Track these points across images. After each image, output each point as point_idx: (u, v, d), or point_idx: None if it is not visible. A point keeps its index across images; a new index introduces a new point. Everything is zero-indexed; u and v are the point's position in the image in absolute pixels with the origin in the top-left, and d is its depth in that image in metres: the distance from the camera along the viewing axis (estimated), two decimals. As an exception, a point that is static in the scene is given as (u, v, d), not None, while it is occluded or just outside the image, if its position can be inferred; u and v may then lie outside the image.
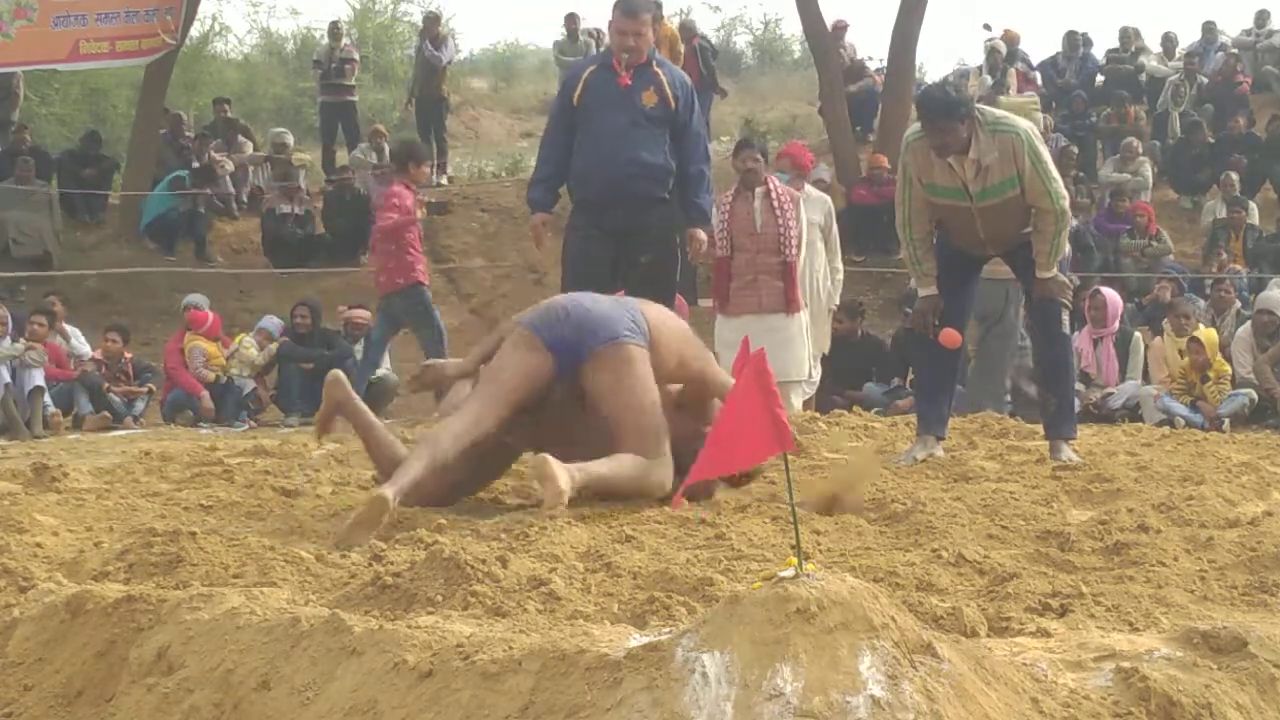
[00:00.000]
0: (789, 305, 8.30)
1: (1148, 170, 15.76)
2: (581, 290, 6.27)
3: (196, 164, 15.82)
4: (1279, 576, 3.23)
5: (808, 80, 21.79)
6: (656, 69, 6.48)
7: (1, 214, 14.46)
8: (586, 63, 6.73)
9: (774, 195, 8.31)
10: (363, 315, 11.59)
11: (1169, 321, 10.90)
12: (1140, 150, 15.84)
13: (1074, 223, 13.52)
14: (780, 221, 8.25)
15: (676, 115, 6.45)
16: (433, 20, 18.37)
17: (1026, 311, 7.14)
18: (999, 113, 5.78)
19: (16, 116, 16.68)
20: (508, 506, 4.52)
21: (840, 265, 9.18)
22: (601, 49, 17.97)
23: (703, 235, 6.69)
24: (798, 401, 8.44)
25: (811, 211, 8.87)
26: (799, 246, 8.41)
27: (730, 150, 12.06)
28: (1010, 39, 19.02)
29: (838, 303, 9.40)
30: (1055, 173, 5.66)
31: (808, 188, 9.21)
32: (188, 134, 16.97)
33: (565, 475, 4.06)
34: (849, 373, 10.81)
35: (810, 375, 8.72)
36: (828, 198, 9.42)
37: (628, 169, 6.38)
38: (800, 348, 8.41)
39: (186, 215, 15.29)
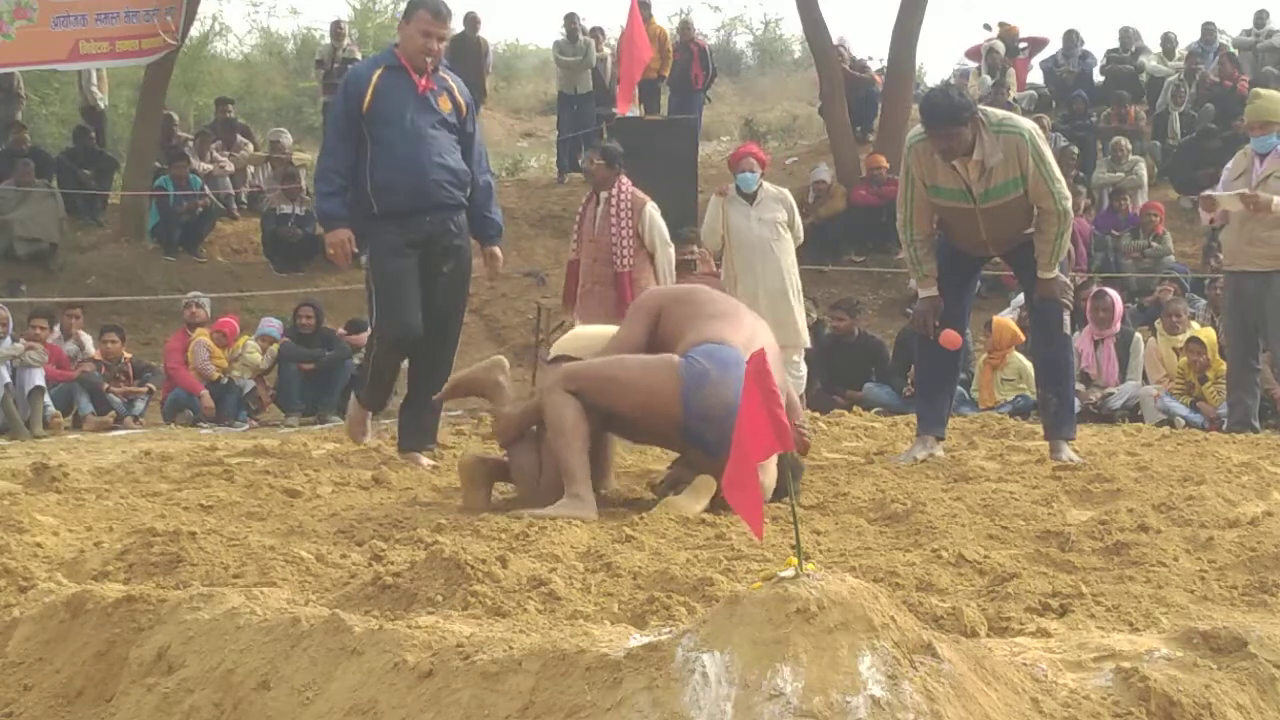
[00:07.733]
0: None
1: (1142, 169, 15.72)
2: (402, 308, 5.99)
3: (193, 161, 15.83)
4: (1279, 576, 3.22)
5: (808, 80, 21.80)
6: (445, 75, 6.16)
7: (4, 215, 14.46)
8: (370, 66, 6.20)
9: (614, 202, 8.00)
10: (359, 342, 11.42)
11: (1161, 321, 10.89)
12: (1130, 150, 15.78)
13: (1092, 228, 13.56)
14: (614, 230, 7.95)
15: (464, 124, 6.14)
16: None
17: (1027, 312, 7.15)
18: (1002, 113, 5.79)
19: (20, 116, 16.68)
20: (508, 503, 4.52)
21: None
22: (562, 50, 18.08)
23: (499, 253, 6.36)
24: None
25: (774, 210, 8.66)
26: (634, 257, 8.02)
27: (729, 150, 12.02)
28: (1009, 33, 19.03)
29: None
30: (1058, 173, 5.68)
31: (765, 185, 8.85)
32: (181, 134, 16.95)
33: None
34: (849, 373, 10.81)
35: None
36: (786, 191, 9.10)
37: (435, 174, 6.01)
38: None
39: (199, 218, 15.28)
